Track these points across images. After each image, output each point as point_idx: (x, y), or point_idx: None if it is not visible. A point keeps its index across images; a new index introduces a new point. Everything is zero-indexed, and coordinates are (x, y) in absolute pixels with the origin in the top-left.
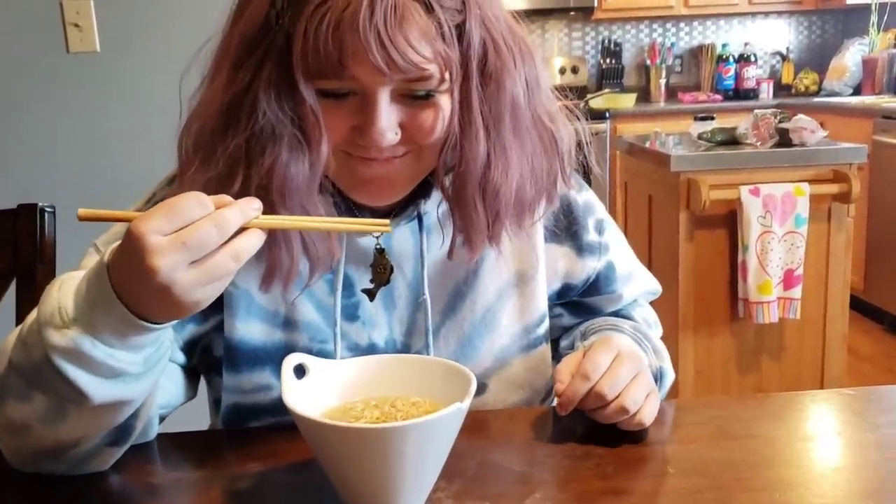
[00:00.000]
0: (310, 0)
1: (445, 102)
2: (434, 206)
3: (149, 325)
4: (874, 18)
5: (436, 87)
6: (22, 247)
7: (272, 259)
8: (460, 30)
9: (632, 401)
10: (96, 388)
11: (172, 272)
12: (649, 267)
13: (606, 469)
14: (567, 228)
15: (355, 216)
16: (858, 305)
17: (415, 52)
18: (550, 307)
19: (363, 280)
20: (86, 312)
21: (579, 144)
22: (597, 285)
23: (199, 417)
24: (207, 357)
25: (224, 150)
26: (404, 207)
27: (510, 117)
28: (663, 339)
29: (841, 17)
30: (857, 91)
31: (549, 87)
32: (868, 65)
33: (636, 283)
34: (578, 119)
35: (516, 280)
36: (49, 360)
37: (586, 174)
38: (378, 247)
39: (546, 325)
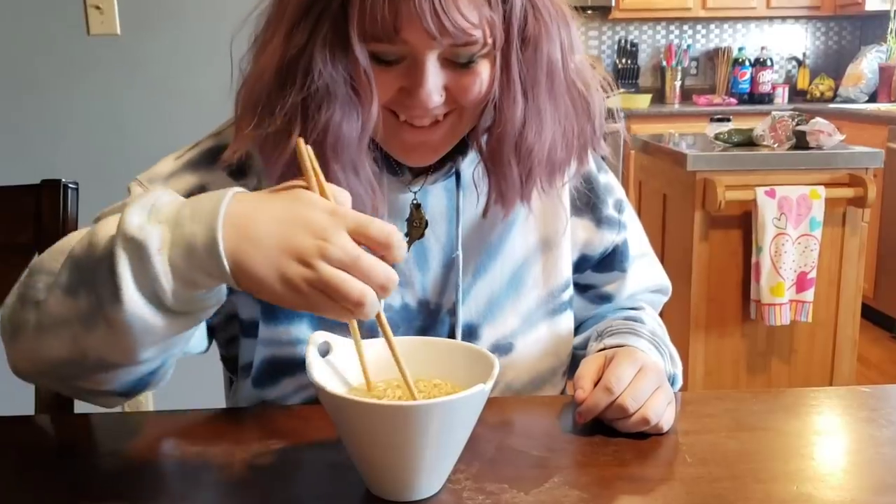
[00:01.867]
0: None
1: (487, 66)
2: (469, 166)
3: (222, 264)
4: (893, 26)
5: (479, 52)
6: (45, 222)
7: None
8: None
9: (654, 413)
10: (131, 297)
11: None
12: (662, 266)
13: (624, 456)
14: (588, 202)
15: (395, 171)
16: (867, 313)
17: (464, 18)
18: None
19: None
20: (177, 219)
21: (611, 113)
22: (611, 260)
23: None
24: (231, 326)
25: (281, 107)
26: (441, 164)
27: (546, 80)
28: (672, 338)
29: (859, 23)
30: (872, 98)
31: (583, 52)
32: (885, 72)
33: (645, 271)
34: (611, 88)
35: (542, 245)
36: (111, 245)
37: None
38: (415, 202)
39: (570, 292)
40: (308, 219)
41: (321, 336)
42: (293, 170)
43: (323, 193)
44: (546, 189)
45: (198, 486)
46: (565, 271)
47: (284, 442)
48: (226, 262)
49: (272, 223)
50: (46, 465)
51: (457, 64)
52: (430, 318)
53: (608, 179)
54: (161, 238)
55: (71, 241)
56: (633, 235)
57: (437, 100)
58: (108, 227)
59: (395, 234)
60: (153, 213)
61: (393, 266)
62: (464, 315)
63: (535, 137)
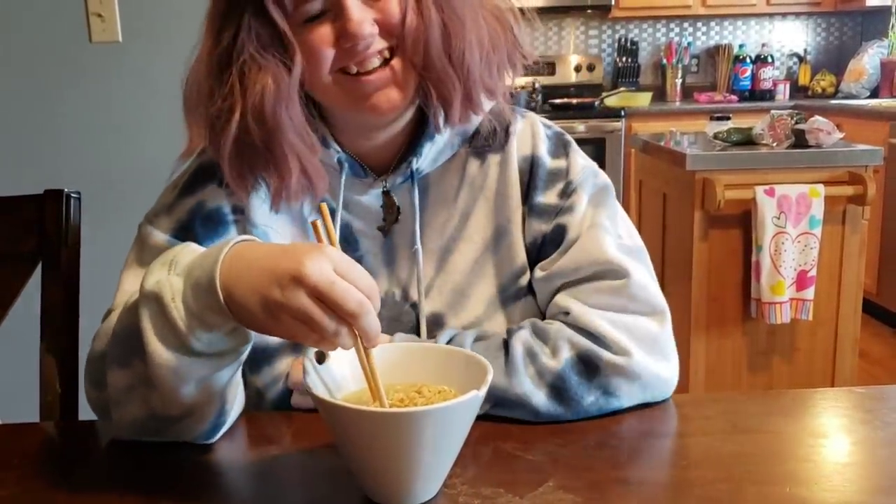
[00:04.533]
0: None
1: None
2: (427, 166)
3: (218, 295)
4: (894, 21)
5: None
6: (48, 231)
7: (277, 180)
8: None
9: None
10: (154, 348)
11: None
12: (662, 266)
13: (619, 459)
14: (526, 189)
15: (359, 174)
16: (870, 309)
17: None
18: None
19: (367, 233)
20: (190, 268)
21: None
22: (551, 246)
23: None
24: None
25: (220, 91)
26: (398, 165)
27: None
28: (675, 338)
29: (860, 19)
30: (874, 94)
31: None
32: (886, 67)
33: (586, 247)
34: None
35: (497, 233)
36: (136, 307)
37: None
38: (385, 189)
39: (527, 276)
40: (294, 249)
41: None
42: (241, 145)
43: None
44: (490, 96)
45: (197, 491)
46: (520, 257)
47: (281, 448)
48: (220, 293)
49: (263, 257)
50: (51, 471)
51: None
52: (396, 307)
53: (559, 164)
54: (174, 288)
55: (111, 321)
56: (577, 216)
57: (369, 28)
58: (140, 287)
59: (375, 287)
60: (172, 266)
61: (362, 255)
62: (428, 305)
63: (460, 41)
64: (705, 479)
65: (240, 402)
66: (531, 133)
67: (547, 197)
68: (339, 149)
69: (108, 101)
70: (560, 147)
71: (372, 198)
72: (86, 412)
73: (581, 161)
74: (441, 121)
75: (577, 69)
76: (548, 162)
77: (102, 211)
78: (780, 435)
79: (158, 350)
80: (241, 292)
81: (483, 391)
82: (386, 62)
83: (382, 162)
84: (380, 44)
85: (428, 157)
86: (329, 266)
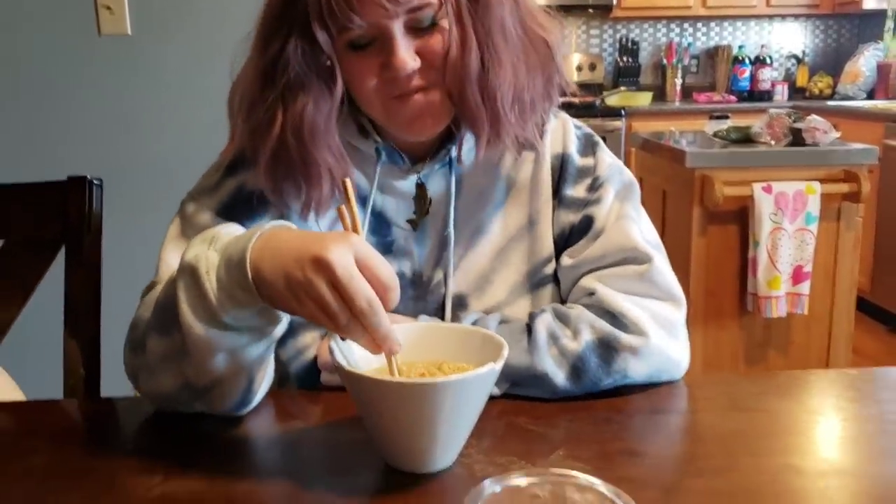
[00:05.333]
0: None
1: (447, 26)
2: (464, 156)
3: (246, 272)
4: (890, 24)
5: (437, 14)
6: (71, 217)
7: (308, 191)
8: None
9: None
10: (185, 316)
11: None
12: None
13: (624, 433)
14: (557, 183)
15: (397, 161)
16: (864, 307)
17: None
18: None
19: (399, 217)
20: (227, 245)
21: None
22: (578, 236)
23: None
24: None
25: (264, 103)
26: (437, 153)
27: (499, 27)
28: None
29: (857, 21)
30: (870, 95)
31: (537, 3)
32: (882, 70)
33: (615, 235)
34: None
35: (528, 223)
36: (175, 278)
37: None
38: (419, 182)
39: (553, 265)
40: (323, 236)
41: None
42: (278, 156)
43: (356, 229)
44: (521, 123)
45: (224, 464)
46: (547, 247)
47: (306, 423)
48: (249, 271)
49: (293, 238)
50: (81, 443)
51: (421, 29)
52: (423, 288)
53: (587, 162)
54: (209, 262)
55: (157, 291)
56: (605, 208)
57: (413, 63)
58: (181, 258)
59: (396, 282)
60: (212, 242)
61: (394, 240)
62: (454, 286)
63: (495, 79)
64: (705, 451)
65: (268, 381)
66: (563, 132)
67: (576, 191)
68: (378, 139)
69: (117, 93)
70: (589, 146)
71: (408, 183)
72: (107, 390)
73: (608, 159)
74: (464, 151)
75: (579, 68)
76: (577, 160)
77: (111, 200)
78: (776, 412)
79: (190, 320)
80: (268, 271)
81: (499, 365)
82: (425, 90)
83: (420, 150)
84: (421, 77)
85: (465, 148)
86: (351, 257)
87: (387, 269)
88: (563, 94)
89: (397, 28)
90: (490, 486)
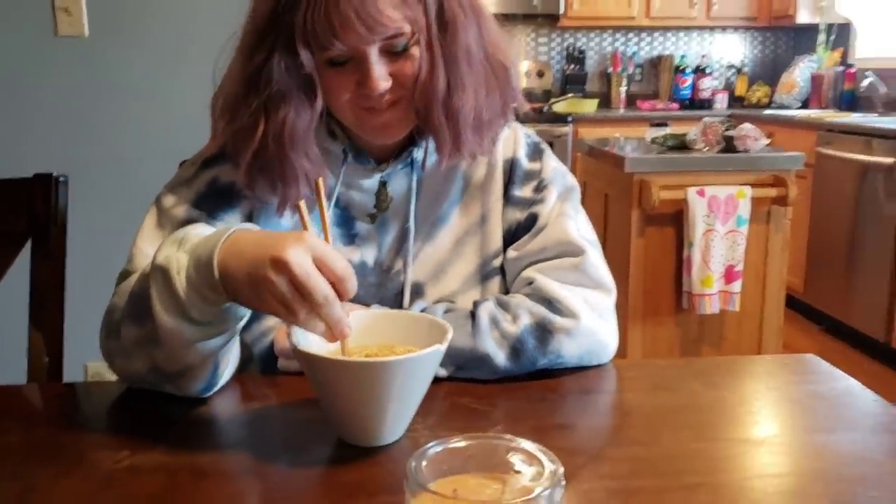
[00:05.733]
0: None
1: (419, 51)
2: (423, 154)
3: (214, 272)
4: (822, 37)
5: (409, 41)
6: (37, 212)
7: (284, 191)
8: None
9: None
10: (158, 313)
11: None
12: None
13: (557, 410)
14: (506, 184)
15: (363, 161)
16: (799, 306)
17: (386, 17)
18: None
19: (363, 214)
20: (196, 247)
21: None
22: (523, 231)
23: None
24: None
25: (247, 109)
26: (400, 154)
27: (464, 54)
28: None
29: (792, 34)
30: (805, 105)
31: (497, 28)
32: (816, 81)
33: (554, 229)
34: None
35: (480, 219)
36: (148, 276)
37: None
38: (382, 180)
39: (501, 259)
40: (282, 237)
41: None
42: (258, 158)
43: (324, 223)
44: (478, 141)
45: (188, 440)
46: (497, 241)
47: (266, 403)
48: (216, 271)
49: (254, 241)
50: (51, 424)
51: (395, 53)
52: (384, 275)
53: (534, 166)
54: (179, 263)
55: (133, 278)
56: (547, 207)
57: (385, 84)
58: (153, 257)
59: (351, 274)
60: (182, 244)
61: (357, 232)
62: (412, 276)
63: (458, 99)
64: (628, 424)
65: (233, 366)
66: (514, 139)
67: (523, 191)
68: (346, 141)
69: (72, 94)
70: (536, 152)
71: (372, 182)
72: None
73: (553, 164)
74: (428, 161)
75: (528, 75)
76: (525, 163)
77: (76, 195)
78: (694, 392)
79: (162, 315)
80: (233, 271)
81: (444, 346)
82: (394, 104)
83: (384, 151)
84: (391, 94)
85: (427, 150)
86: (308, 255)
87: (341, 263)
88: (517, 113)
89: (373, 52)
90: (433, 448)
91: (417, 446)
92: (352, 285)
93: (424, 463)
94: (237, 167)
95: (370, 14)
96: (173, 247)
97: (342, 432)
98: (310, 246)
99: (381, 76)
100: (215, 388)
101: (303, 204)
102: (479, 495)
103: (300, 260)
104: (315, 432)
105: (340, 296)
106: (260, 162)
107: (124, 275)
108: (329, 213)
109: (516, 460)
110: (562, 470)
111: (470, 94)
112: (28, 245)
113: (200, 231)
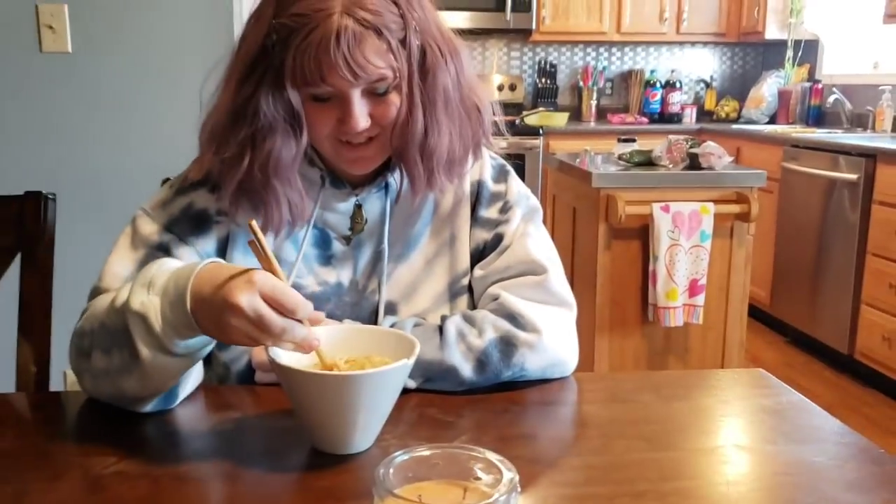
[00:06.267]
0: (295, 35)
1: (398, 94)
2: (397, 180)
3: (192, 322)
4: (790, 53)
5: (390, 85)
6: (27, 227)
7: (266, 216)
8: (403, 42)
9: None
10: (145, 355)
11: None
12: (571, 273)
13: (520, 421)
14: (474, 206)
15: (338, 185)
16: (764, 319)
17: (372, 66)
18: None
19: (340, 234)
20: (168, 291)
21: (497, 127)
22: (490, 251)
23: None
24: None
25: (235, 139)
26: (374, 178)
27: (442, 99)
28: (578, 338)
29: (760, 49)
30: (772, 120)
31: (472, 71)
32: (783, 96)
33: (517, 249)
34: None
35: (449, 240)
36: (125, 320)
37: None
38: (357, 203)
39: (468, 278)
40: (230, 283)
41: None
42: (244, 186)
43: (271, 267)
44: (449, 179)
45: (171, 447)
46: (465, 261)
47: (242, 412)
48: (191, 316)
49: (212, 285)
50: (37, 433)
51: (376, 94)
52: (358, 294)
53: (500, 188)
54: (154, 307)
55: (102, 305)
56: (512, 227)
57: (364, 124)
58: (123, 299)
59: (301, 303)
60: (150, 287)
61: (333, 253)
62: (386, 294)
63: (434, 142)
64: (584, 434)
65: (195, 378)
66: (480, 163)
67: (489, 212)
68: (322, 167)
69: (56, 109)
70: (502, 175)
71: (348, 205)
72: (56, 385)
73: (517, 186)
74: (402, 192)
75: (500, 88)
76: (491, 185)
77: (60, 213)
78: (648, 403)
79: (146, 353)
80: (201, 316)
81: (412, 360)
82: (370, 140)
83: (360, 177)
84: (369, 132)
85: (403, 177)
86: (256, 297)
87: (290, 296)
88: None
89: (355, 94)
90: (400, 456)
91: (386, 454)
92: (304, 312)
93: (392, 470)
94: (222, 193)
95: (357, 61)
96: (143, 291)
97: (315, 440)
98: (258, 286)
99: (361, 116)
100: (176, 403)
101: (264, 240)
102: (442, 499)
103: (250, 303)
104: (290, 440)
105: (297, 320)
106: (245, 189)
107: (94, 292)
108: (308, 233)
109: (477, 469)
110: (517, 478)
111: (445, 135)
112: (17, 260)
113: (166, 268)
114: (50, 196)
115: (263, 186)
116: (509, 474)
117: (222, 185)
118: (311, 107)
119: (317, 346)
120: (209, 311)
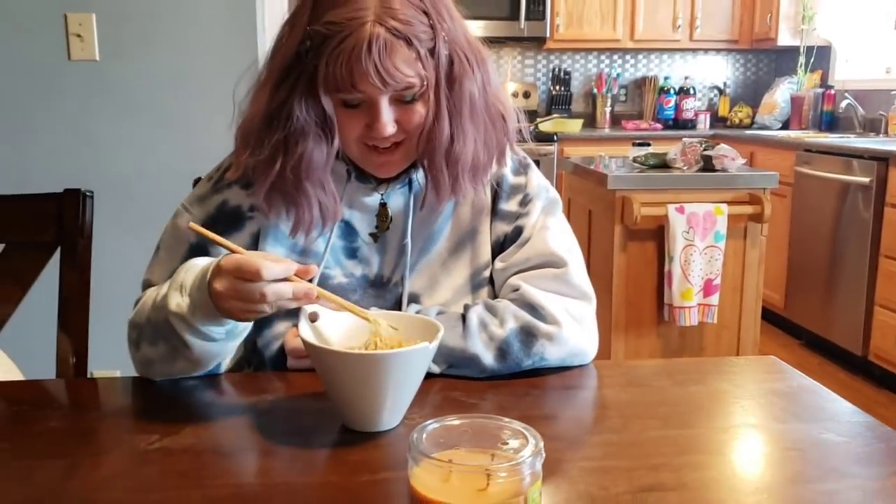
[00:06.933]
0: (328, 43)
1: (425, 102)
2: (420, 177)
3: (217, 314)
4: (802, 60)
5: (418, 93)
6: (66, 223)
7: (298, 216)
8: (432, 51)
9: None
10: (193, 344)
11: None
12: (588, 275)
13: (541, 403)
14: (494, 199)
15: (364, 181)
16: (778, 321)
17: (401, 74)
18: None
19: (364, 229)
20: (194, 291)
21: (521, 133)
22: (511, 243)
23: None
24: None
25: (268, 142)
26: (398, 176)
27: (468, 107)
28: (598, 338)
29: (773, 56)
30: (785, 125)
31: (498, 80)
32: (796, 102)
33: (537, 242)
34: (520, 112)
35: (471, 234)
36: (168, 320)
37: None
38: (382, 201)
39: (489, 270)
40: (211, 277)
41: (311, 306)
42: (276, 187)
43: (230, 248)
44: (473, 185)
45: (209, 427)
46: (486, 253)
47: (275, 395)
48: (216, 310)
49: (207, 285)
50: (81, 414)
51: (403, 102)
52: (382, 287)
53: (520, 181)
54: (188, 306)
55: (148, 301)
56: (532, 220)
57: (392, 130)
58: (162, 301)
59: (262, 265)
60: (182, 290)
61: (359, 246)
62: (409, 287)
63: (460, 150)
64: (604, 414)
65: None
66: None
67: (509, 205)
68: (349, 161)
69: (85, 115)
70: (521, 168)
71: (373, 200)
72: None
73: (536, 179)
74: (429, 198)
75: (514, 95)
76: (511, 178)
77: (95, 210)
78: (661, 388)
79: (195, 343)
80: (220, 309)
81: (435, 343)
82: (397, 145)
83: None
84: (396, 137)
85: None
86: (226, 279)
87: (249, 264)
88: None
89: (384, 100)
90: (432, 424)
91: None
92: (267, 271)
93: (424, 436)
94: (256, 192)
95: (387, 69)
96: (177, 294)
97: (346, 419)
98: (224, 270)
99: (388, 122)
100: (219, 372)
101: (209, 233)
102: (471, 462)
103: (224, 286)
104: (322, 420)
105: (263, 278)
106: (277, 190)
107: (145, 284)
108: (335, 226)
109: (503, 436)
110: (542, 444)
111: (470, 142)
112: (56, 255)
113: (192, 271)
114: (88, 193)
115: (295, 188)
116: (534, 440)
117: (255, 185)
118: (340, 112)
119: (314, 294)
120: (218, 304)
